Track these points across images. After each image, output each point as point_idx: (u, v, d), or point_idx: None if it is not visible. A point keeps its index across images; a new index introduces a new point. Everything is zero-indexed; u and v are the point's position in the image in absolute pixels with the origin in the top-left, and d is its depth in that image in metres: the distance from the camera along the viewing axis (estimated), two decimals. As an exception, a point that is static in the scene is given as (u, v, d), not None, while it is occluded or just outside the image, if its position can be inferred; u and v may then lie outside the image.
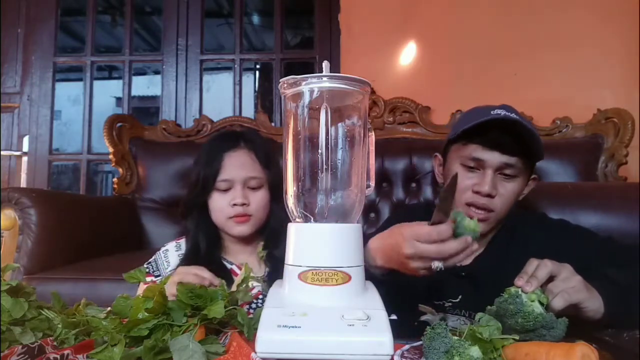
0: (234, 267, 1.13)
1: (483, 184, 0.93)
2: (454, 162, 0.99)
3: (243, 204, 1.07)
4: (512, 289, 0.67)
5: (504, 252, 0.99)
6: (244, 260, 1.12)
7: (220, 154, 1.09)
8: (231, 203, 1.07)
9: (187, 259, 1.09)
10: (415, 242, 0.71)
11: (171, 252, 1.15)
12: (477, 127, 0.92)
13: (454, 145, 1.00)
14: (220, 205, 1.08)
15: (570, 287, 0.69)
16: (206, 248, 1.11)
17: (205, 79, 2.70)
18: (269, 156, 1.13)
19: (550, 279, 0.71)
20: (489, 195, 0.93)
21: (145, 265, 1.13)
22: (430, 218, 1.09)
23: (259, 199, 1.10)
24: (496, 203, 0.94)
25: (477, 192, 0.94)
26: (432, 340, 0.57)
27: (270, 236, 1.13)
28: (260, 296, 1.08)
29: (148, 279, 1.10)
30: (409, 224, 0.74)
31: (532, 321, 0.62)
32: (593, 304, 0.72)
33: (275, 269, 1.09)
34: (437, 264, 0.70)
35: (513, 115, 0.92)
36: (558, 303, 0.68)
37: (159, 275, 1.12)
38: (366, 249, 0.81)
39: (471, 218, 0.94)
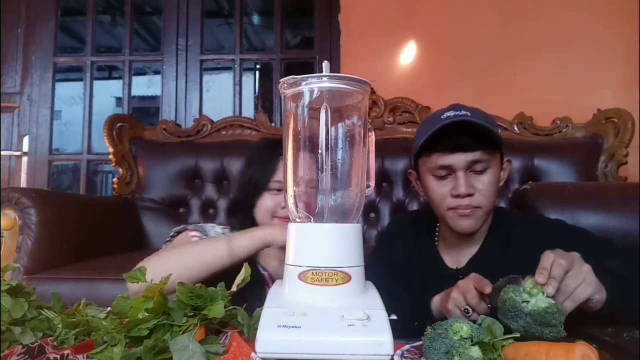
0: (266, 275, 1.12)
1: (458, 186, 0.95)
2: (426, 175, 1.01)
3: None
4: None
5: (500, 253, 1.00)
6: (276, 266, 1.12)
7: (276, 157, 1.12)
8: (282, 205, 1.10)
9: None
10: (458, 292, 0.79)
11: (216, 230, 1.18)
12: (433, 136, 0.94)
13: (420, 160, 1.02)
14: (270, 206, 1.12)
15: (579, 285, 0.70)
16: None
17: (205, 79, 2.70)
18: None
19: None
20: (469, 195, 0.95)
21: (192, 226, 1.16)
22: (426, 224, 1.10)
23: None
24: (478, 199, 0.96)
25: (456, 196, 0.96)
26: (432, 340, 0.57)
27: None
28: None
29: (192, 233, 1.14)
30: (465, 280, 0.82)
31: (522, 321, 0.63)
32: (601, 295, 0.72)
33: None
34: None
35: (462, 113, 0.94)
36: (568, 306, 0.69)
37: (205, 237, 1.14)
38: (432, 303, 0.90)
39: (461, 216, 0.97)
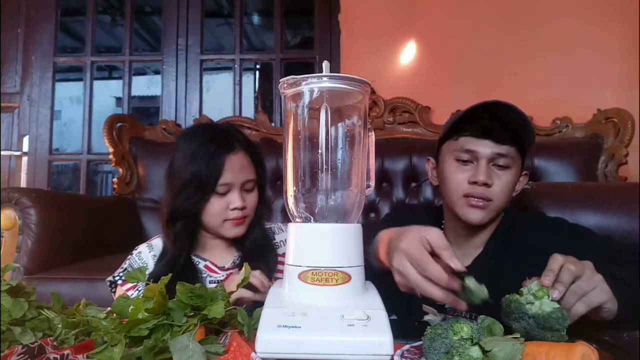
0: (208, 263, 1.10)
1: (478, 173, 0.95)
2: (447, 159, 1.00)
3: (243, 208, 1.06)
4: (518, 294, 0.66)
5: (503, 253, 0.99)
6: (219, 255, 1.12)
7: (221, 157, 1.03)
8: (230, 207, 1.04)
9: (169, 265, 1.04)
10: (404, 259, 0.68)
11: (145, 254, 1.11)
12: (466, 120, 0.94)
13: (445, 144, 1.02)
14: (218, 209, 1.04)
15: (592, 289, 0.67)
16: (187, 250, 1.08)
17: (205, 79, 2.70)
18: (260, 157, 1.12)
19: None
20: (485, 185, 0.95)
21: (120, 274, 1.09)
22: (430, 218, 1.09)
23: (253, 201, 1.09)
24: (493, 192, 0.96)
25: (473, 183, 0.96)
26: (432, 340, 0.57)
27: (252, 232, 1.12)
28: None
29: (125, 287, 1.06)
30: (419, 229, 0.70)
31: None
32: (613, 304, 0.70)
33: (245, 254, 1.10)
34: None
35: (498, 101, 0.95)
36: (580, 308, 0.66)
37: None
38: (375, 239, 0.81)
39: (472, 207, 0.96)
